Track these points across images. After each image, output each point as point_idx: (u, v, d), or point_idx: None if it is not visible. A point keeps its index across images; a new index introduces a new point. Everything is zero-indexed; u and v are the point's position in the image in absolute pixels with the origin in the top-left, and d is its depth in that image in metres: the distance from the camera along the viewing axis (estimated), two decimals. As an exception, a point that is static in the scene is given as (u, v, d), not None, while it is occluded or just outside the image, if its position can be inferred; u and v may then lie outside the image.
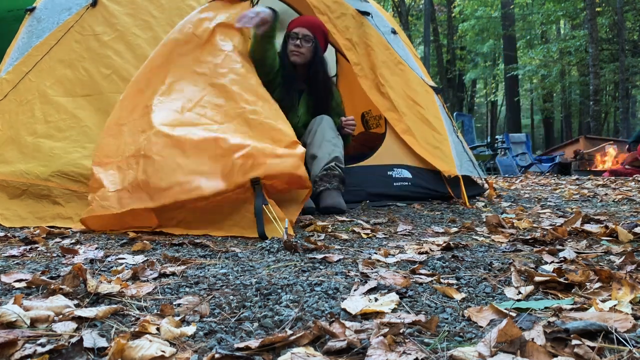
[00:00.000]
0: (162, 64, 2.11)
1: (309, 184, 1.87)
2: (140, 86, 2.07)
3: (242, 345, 0.72)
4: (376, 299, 0.94)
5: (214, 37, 2.19)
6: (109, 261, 1.34)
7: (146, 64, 2.10)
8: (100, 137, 1.98)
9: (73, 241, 1.64)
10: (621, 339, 0.71)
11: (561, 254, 1.32)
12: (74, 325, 0.80)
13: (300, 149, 1.82)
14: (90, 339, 0.73)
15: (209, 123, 1.92)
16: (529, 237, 1.61)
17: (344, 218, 2.17)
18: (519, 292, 1.00)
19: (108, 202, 1.81)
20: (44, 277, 1.08)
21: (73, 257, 1.37)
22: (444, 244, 1.49)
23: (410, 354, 0.69)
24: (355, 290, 1.02)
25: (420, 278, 1.12)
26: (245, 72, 2.10)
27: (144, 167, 1.80)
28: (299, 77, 2.63)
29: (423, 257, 1.33)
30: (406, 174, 2.79)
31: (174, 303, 0.95)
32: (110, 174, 1.88)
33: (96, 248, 1.53)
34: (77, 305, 0.92)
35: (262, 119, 1.92)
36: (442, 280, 1.10)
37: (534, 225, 1.96)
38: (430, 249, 1.46)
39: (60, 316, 0.84)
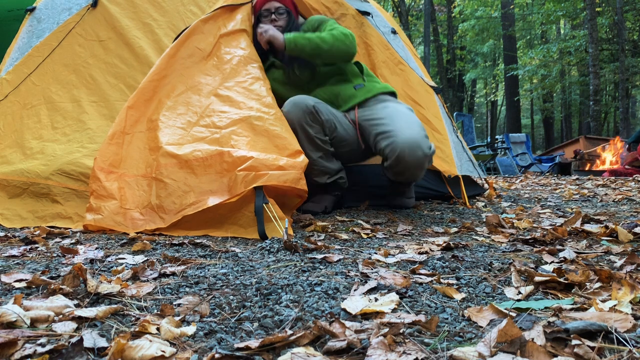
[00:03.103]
0: (168, 75, 2.13)
1: (306, 195, 1.89)
2: (146, 96, 2.09)
3: (242, 345, 0.72)
4: (376, 299, 0.94)
5: (219, 50, 2.20)
6: (109, 261, 1.34)
7: (152, 72, 2.11)
8: (105, 142, 1.99)
9: (73, 241, 1.64)
10: (621, 339, 0.71)
11: (561, 254, 1.32)
12: (74, 325, 0.80)
13: (303, 159, 1.83)
14: (90, 339, 0.73)
15: (214, 131, 1.93)
16: (529, 237, 1.61)
17: (344, 218, 2.17)
18: (519, 292, 1.00)
19: (120, 219, 1.84)
20: (44, 277, 1.08)
21: (73, 257, 1.37)
22: (444, 244, 1.49)
23: (410, 354, 0.69)
24: (355, 290, 1.02)
25: (420, 278, 1.12)
26: (252, 80, 2.10)
27: (156, 191, 1.85)
28: (278, 52, 2.42)
29: (423, 257, 1.33)
30: (406, 173, 2.79)
31: (174, 303, 0.95)
32: (120, 187, 1.90)
33: (96, 248, 1.53)
34: (77, 305, 0.92)
35: (267, 125, 1.93)
36: (442, 280, 1.10)
37: (534, 225, 1.96)
38: (430, 249, 1.46)
39: (60, 316, 0.84)
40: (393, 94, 2.46)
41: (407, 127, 2.12)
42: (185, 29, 2.24)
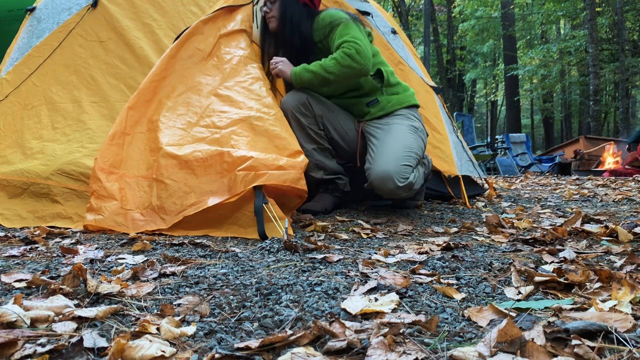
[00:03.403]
0: (168, 76, 2.14)
1: (306, 196, 1.89)
2: (146, 97, 2.09)
3: (242, 345, 0.72)
4: (376, 299, 0.94)
5: (218, 50, 2.20)
6: (109, 261, 1.34)
7: (152, 73, 2.12)
8: (105, 143, 1.99)
9: (73, 241, 1.64)
10: (621, 339, 0.71)
11: (561, 254, 1.32)
12: (74, 325, 0.80)
13: (302, 159, 1.84)
14: (90, 339, 0.73)
15: (214, 131, 1.94)
16: (529, 237, 1.61)
17: (344, 218, 2.17)
18: (519, 292, 1.00)
19: (121, 220, 1.84)
20: (44, 277, 1.08)
21: (73, 257, 1.37)
22: (444, 244, 1.49)
23: (410, 354, 0.69)
24: (355, 290, 1.02)
25: (420, 278, 1.12)
26: (252, 80, 2.10)
27: (157, 192, 1.85)
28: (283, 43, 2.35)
29: (423, 257, 1.33)
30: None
31: (174, 303, 0.95)
32: (121, 188, 1.91)
33: (96, 248, 1.53)
34: (77, 305, 0.92)
35: (267, 125, 1.93)
36: (442, 280, 1.10)
37: (534, 225, 1.96)
38: (430, 249, 1.46)
39: (60, 316, 0.84)
40: (412, 107, 2.34)
41: (386, 156, 2.09)
42: (185, 29, 2.24)
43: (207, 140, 1.92)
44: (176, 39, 2.23)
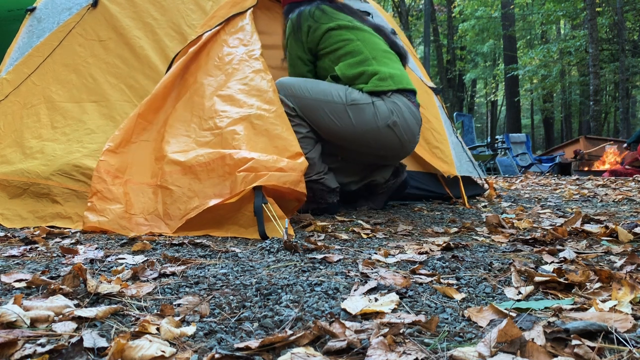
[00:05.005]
0: (175, 84, 2.17)
1: (305, 198, 1.89)
2: (156, 105, 2.13)
3: (242, 345, 0.72)
4: (376, 299, 0.94)
5: (221, 50, 2.21)
6: (109, 261, 1.34)
7: (162, 82, 2.16)
8: (110, 148, 2.00)
9: (73, 241, 1.64)
10: (621, 339, 0.71)
11: (561, 254, 1.32)
12: (74, 325, 0.80)
13: (302, 161, 1.84)
14: (90, 339, 0.73)
15: (216, 133, 1.94)
16: (529, 237, 1.61)
17: (343, 218, 2.17)
18: (519, 292, 1.00)
19: (125, 223, 1.84)
20: (44, 277, 1.08)
21: (73, 257, 1.37)
22: (444, 244, 1.49)
23: (410, 354, 0.69)
24: (355, 290, 1.02)
25: (420, 278, 1.12)
26: (253, 74, 2.10)
27: (162, 198, 1.87)
28: None
29: (423, 257, 1.33)
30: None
31: (174, 303, 0.95)
32: (125, 193, 1.92)
33: (96, 248, 1.53)
34: (77, 305, 0.92)
35: (267, 125, 1.93)
36: (442, 280, 1.10)
37: (534, 225, 1.96)
38: (430, 249, 1.46)
39: (60, 316, 0.84)
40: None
41: None
42: (190, 40, 2.26)
43: (210, 144, 1.93)
44: (171, 64, 2.25)
